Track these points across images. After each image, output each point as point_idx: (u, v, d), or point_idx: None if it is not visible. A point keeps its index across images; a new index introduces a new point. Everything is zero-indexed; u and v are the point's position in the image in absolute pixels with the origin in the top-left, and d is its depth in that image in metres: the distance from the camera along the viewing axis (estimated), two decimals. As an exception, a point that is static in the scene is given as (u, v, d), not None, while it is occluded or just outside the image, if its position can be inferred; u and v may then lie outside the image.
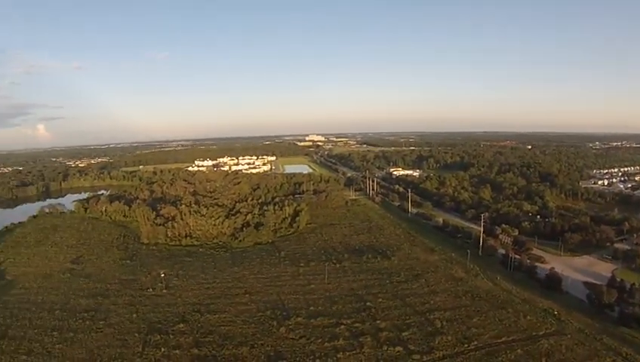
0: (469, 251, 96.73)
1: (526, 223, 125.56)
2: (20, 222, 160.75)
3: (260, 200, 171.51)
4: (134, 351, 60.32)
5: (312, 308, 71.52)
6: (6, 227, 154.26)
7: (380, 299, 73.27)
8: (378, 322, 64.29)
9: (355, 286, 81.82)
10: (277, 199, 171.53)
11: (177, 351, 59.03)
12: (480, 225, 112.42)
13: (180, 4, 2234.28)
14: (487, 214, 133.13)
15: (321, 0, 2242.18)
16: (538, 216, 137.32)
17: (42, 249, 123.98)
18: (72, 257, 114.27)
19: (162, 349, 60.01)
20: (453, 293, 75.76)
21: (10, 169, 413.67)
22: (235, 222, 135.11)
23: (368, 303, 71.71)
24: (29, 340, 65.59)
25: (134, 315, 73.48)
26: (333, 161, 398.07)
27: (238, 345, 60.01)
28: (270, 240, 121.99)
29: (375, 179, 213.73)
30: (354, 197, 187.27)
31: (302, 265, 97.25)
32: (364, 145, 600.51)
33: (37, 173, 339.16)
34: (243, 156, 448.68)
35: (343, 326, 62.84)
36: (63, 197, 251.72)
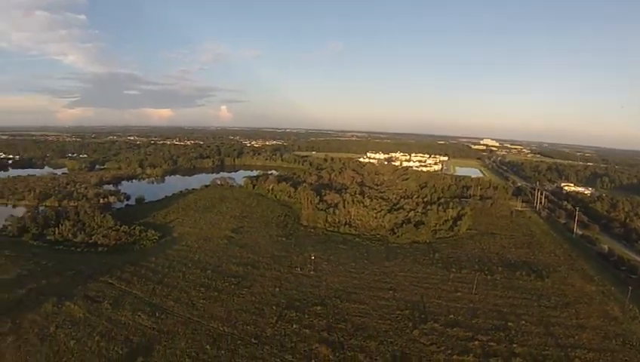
0: (630, 288, 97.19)
1: None
2: (193, 189, 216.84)
3: (424, 199, 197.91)
4: (268, 321, 73.30)
5: (451, 316, 79.78)
6: (181, 191, 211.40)
7: (523, 322, 78.60)
8: (514, 346, 69.06)
9: (500, 302, 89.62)
10: (442, 200, 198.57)
11: (308, 331, 69.68)
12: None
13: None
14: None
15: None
16: None
17: (208, 215, 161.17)
18: (233, 227, 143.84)
19: (294, 326, 71.46)
20: (602, 333, 77.38)
21: (192, 142, 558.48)
22: (396, 217, 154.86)
23: (510, 323, 77.76)
24: (180, 290, 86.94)
25: (277, 289, 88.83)
26: (505, 168, 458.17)
27: (367, 338, 68.15)
28: (427, 241, 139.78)
29: (544, 192, 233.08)
30: (520, 209, 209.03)
31: (453, 270, 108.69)
32: (538, 155, 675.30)
33: (214, 148, 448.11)
34: (415, 153, 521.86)
35: (477, 342, 69.24)
36: (235, 172, 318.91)
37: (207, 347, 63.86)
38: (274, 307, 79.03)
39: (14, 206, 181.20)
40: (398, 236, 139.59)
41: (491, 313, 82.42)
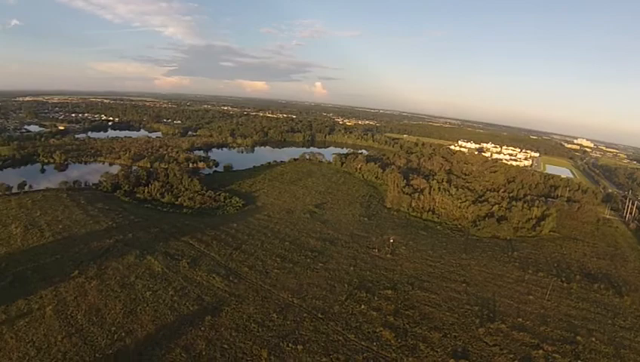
0: None
1: None
2: (281, 161, 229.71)
3: (510, 194, 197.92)
4: (337, 298, 77.26)
5: (520, 319, 79.68)
6: (269, 163, 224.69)
7: (593, 339, 76.67)
8: (579, 362, 68.03)
9: (573, 313, 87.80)
10: (528, 197, 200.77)
11: (375, 313, 72.62)
12: None
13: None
14: None
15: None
16: None
17: (293, 188, 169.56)
18: (317, 202, 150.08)
19: (362, 306, 74.69)
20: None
21: (284, 116, 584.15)
22: (479, 210, 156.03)
23: (579, 337, 76.18)
24: (256, 258, 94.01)
25: (351, 268, 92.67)
26: (597, 171, 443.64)
27: (432, 329, 69.99)
28: (508, 237, 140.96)
29: (636, 203, 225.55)
30: (607, 217, 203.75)
31: (529, 272, 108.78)
32: (634, 162, 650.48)
33: (306, 123, 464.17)
34: (507, 146, 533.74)
35: (541, 351, 68.62)
36: (325, 148, 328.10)
37: (274, 315, 69.10)
38: (345, 285, 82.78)
39: (111, 164, 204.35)
40: (479, 229, 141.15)
41: (561, 323, 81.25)
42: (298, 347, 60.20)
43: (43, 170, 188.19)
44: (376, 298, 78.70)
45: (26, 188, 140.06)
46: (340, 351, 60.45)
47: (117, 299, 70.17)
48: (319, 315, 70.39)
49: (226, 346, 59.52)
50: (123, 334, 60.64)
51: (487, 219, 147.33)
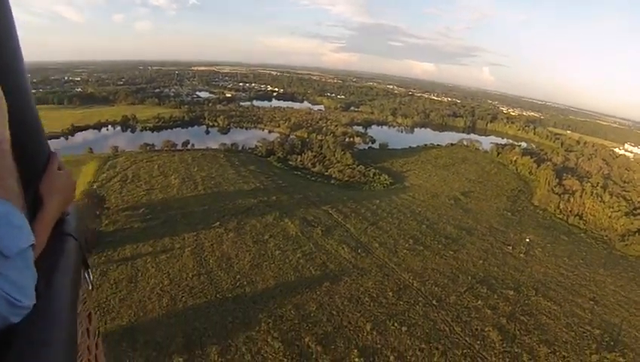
0: None
1: None
2: (438, 145, 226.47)
3: None
4: (457, 289, 75.07)
5: None
6: (425, 145, 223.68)
7: None
8: None
9: None
10: None
11: (489, 312, 68.88)
12: None
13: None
14: None
15: None
16: None
17: (444, 173, 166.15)
18: (464, 189, 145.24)
19: (479, 302, 71.46)
20: None
21: (448, 100, 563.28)
22: (631, 223, 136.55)
23: None
24: (389, 236, 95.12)
25: (480, 261, 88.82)
26: None
27: (542, 342, 63.31)
28: None
29: None
30: None
31: None
32: None
33: (469, 109, 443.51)
34: None
35: None
36: (485, 136, 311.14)
37: (390, 293, 69.96)
38: (469, 277, 79.74)
39: (270, 131, 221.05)
40: (626, 245, 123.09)
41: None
42: (402, 328, 60.35)
43: (207, 132, 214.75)
44: (495, 296, 74.54)
45: (189, 146, 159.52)
46: (442, 341, 59.23)
47: (247, 252, 77.41)
48: (434, 302, 69.32)
49: (334, 312, 62.39)
50: (245, 283, 67.38)
51: (637, 234, 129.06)
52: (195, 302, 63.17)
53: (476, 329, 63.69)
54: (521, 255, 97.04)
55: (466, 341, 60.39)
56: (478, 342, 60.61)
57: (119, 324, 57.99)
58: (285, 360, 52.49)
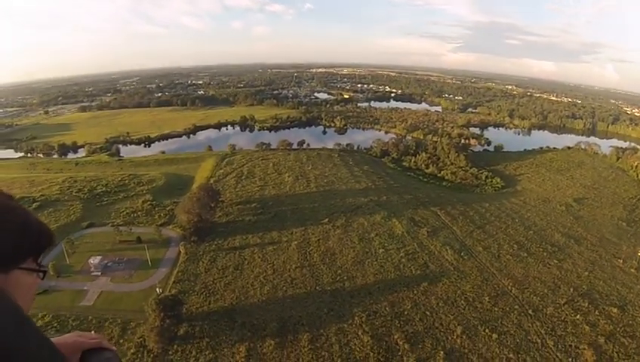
0: None
1: None
2: (554, 148, 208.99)
3: None
4: (556, 300, 71.72)
5: None
6: (541, 148, 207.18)
7: None
8: None
9: None
10: None
11: (588, 328, 64.64)
12: None
13: None
14: None
15: None
16: None
17: (558, 178, 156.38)
18: (578, 196, 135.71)
19: (578, 316, 67.52)
20: None
21: (568, 100, 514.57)
22: None
23: None
24: (494, 240, 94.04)
25: (586, 273, 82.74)
26: None
27: None
28: None
29: None
30: None
31: None
32: None
33: (590, 110, 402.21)
34: None
35: None
36: (606, 139, 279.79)
37: (486, 298, 70.36)
38: (571, 289, 75.99)
39: (386, 132, 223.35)
40: None
41: None
42: (493, 335, 61.12)
43: (324, 132, 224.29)
44: (597, 312, 69.75)
45: (304, 145, 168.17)
46: (531, 353, 58.51)
47: (352, 249, 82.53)
48: (530, 311, 68.30)
49: (427, 312, 64.92)
50: (345, 278, 72.50)
51: None
52: (294, 291, 69.68)
53: (570, 346, 60.83)
54: (632, 270, 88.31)
55: (557, 356, 58.45)
56: (570, 360, 58.16)
57: (221, 305, 66.43)
58: (372, 354, 56.29)
